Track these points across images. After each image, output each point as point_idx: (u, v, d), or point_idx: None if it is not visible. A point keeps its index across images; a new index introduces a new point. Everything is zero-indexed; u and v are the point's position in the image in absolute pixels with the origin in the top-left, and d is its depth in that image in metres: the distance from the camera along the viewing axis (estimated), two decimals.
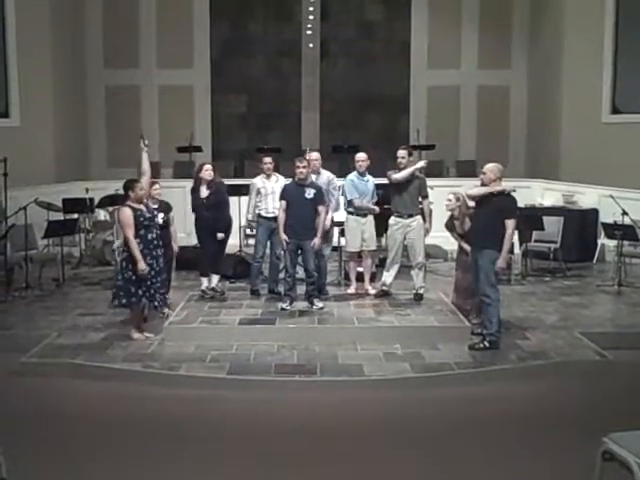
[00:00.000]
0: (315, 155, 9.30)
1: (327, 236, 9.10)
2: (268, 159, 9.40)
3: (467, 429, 5.81)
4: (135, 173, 13.29)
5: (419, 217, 8.93)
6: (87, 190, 12.07)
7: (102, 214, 12.43)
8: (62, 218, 11.28)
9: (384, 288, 9.14)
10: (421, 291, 9.04)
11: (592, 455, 4.22)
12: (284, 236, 8.46)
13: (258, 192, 9.21)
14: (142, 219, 7.59)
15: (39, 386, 6.76)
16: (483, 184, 7.62)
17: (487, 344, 7.46)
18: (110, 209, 11.66)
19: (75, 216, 11.48)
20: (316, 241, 8.42)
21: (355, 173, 9.21)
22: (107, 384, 6.73)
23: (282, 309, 8.45)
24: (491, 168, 7.53)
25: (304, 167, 8.51)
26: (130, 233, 7.51)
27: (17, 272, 10.22)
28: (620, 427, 4.25)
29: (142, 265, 7.48)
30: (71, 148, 14.35)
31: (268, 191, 9.14)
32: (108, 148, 15.82)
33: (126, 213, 7.58)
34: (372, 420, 6.03)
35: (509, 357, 7.29)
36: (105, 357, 7.28)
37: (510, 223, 7.34)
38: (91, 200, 11.90)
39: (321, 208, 8.48)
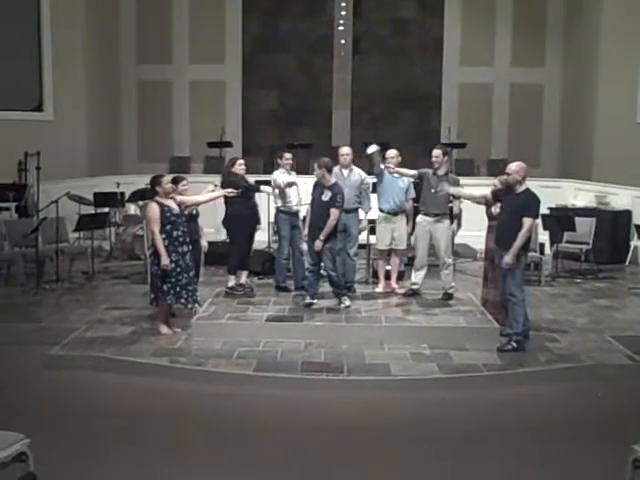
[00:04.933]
0: (346, 150, 9.22)
1: (348, 235, 9.01)
2: (289, 155, 9.40)
3: (492, 433, 5.76)
4: (164, 169, 13.54)
5: (447, 217, 8.84)
6: (118, 184, 12.15)
7: (132, 208, 12.53)
8: (93, 212, 11.39)
9: (413, 287, 9.09)
10: (450, 291, 8.96)
11: (620, 462, 4.15)
12: (305, 231, 8.61)
13: (279, 187, 9.14)
14: (169, 214, 7.61)
15: (66, 379, 6.82)
16: (507, 185, 7.53)
17: (515, 344, 7.38)
18: (140, 203, 11.72)
19: (106, 210, 11.60)
20: (316, 242, 8.30)
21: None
22: (134, 378, 6.77)
23: (307, 305, 8.45)
24: (516, 169, 7.38)
25: (318, 169, 8.41)
26: (156, 228, 7.53)
27: (48, 265, 10.34)
28: None
29: (165, 260, 7.50)
30: (103, 142, 14.47)
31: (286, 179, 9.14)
32: (139, 143, 15.94)
33: (153, 208, 7.61)
34: (398, 421, 6.00)
35: (538, 359, 7.21)
36: (133, 351, 7.31)
37: (527, 221, 7.25)
38: (122, 194, 12.00)
39: (332, 211, 8.35)
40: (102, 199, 11.81)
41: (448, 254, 8.96)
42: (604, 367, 7.04)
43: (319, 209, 8.40)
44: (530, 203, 7.37)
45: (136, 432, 5.66)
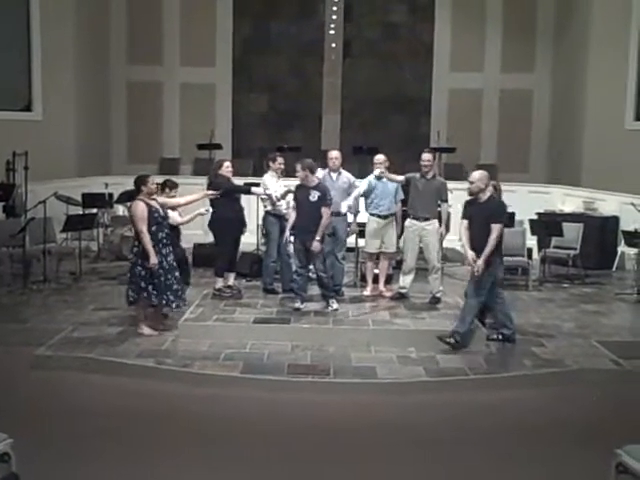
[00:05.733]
0: (335, 154, 9.23)
1: (336, 238, 9.01)
2: (281, 159, 9.37)
3: (478, 436, 5.77)
4: (153, 170, 13.52)
5: (435, 221, 8.87)
6: (106, 185, 12.14)
7: (121, 209, 12.50)
8: (81, 212, 11.35)
9: (401, 291, 9.10)
10: (438, 295, 8.97)
11: (604, 466, 4.16)
12: (287, 233, 8.52)
13: (270, 197, 9.08)
14: (156, 215, 7.57)
15: (53, 380, 6.79)
16: (471, 193, 7.59)
17: (458, 338, 7.45)
18: (129, 204, 11.69)
19: (94, 211, 11.56)
20: (314, 243, 8.26)
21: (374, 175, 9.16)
22: (120, 379, 6.75)
23: (295, 309, 8.43)
24: (479, 177, 7.54)
25: (302, 170, 8.37)
26: (144, 227, 7.46)
27: (35, 265, 10.31)
28: (635, 438, 4.20)
29: (154, 259, 7.44)
30: (92, 143, 14.41)
31: (279, 190, 9.10)
32: (128, 144, 15.89)
33: (140, 207, 7.53)
34: (384, 423, 6.00)
35: (524, 364, 7.23)
36: (119, 352, 7.29)
37: (495, 227, 7.39)
38: (110, 195, 11.97)
39: (324, 210, 8.34)
40: (90, 200, 11.76)
41: (437, 258, 8.98)
42: (590, 372, 7.07)
43: (308, 210, 8.34)
44: (496, 210, 7.54)
45: (122, 433, 5.63)
